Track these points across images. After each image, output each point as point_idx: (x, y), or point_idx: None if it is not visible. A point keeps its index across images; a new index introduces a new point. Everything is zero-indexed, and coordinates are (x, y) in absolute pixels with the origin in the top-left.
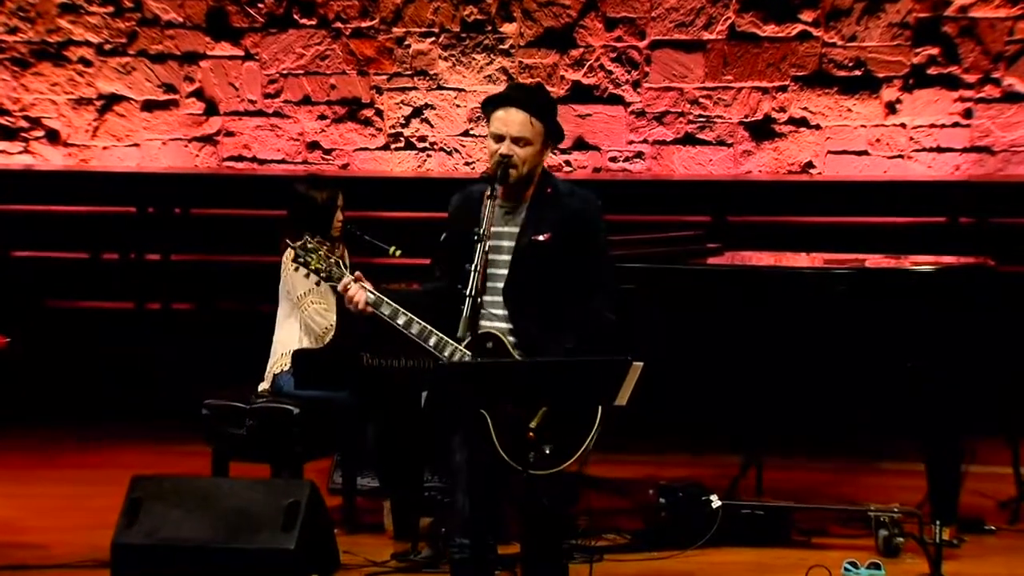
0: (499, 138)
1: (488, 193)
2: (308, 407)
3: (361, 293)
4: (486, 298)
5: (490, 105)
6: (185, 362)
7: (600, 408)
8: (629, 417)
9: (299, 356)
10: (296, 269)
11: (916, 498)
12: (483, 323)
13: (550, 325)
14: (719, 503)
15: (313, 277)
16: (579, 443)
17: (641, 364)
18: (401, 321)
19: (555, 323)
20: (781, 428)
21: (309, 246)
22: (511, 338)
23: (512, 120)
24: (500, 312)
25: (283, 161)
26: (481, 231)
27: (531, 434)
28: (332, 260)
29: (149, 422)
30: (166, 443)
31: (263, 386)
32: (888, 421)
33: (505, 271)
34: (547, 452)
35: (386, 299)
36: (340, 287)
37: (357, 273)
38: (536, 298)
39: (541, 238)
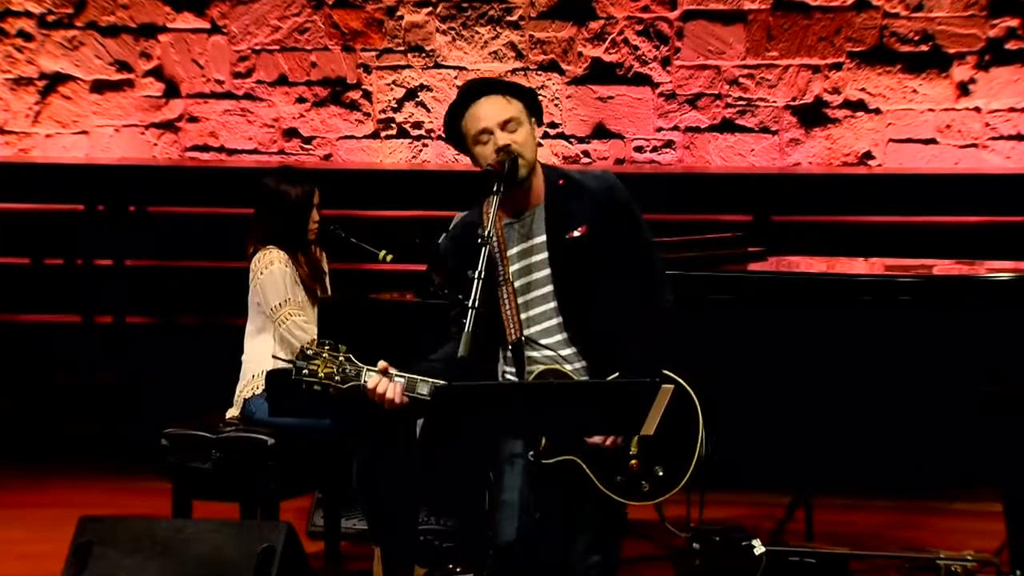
0: (486, 134)
1: (495, 190)
2: (284, 437)
3: (393, 389)
4: (531, 331)
5: (455, 115)
6: (141, 384)
7: (699, 408)
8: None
9: (274, 377)
10: (305, 387)
11: (993, 544)
12: (532, 354)
13: (614, 336)
14: (763, 549)
15: (290, 286)
16: (690, 451)
17: (671, 387)
18: None
19: (618, 332)
20: (834, 462)
21: (308, 352)
22: (570, 366)
23: (489, 109)
24: (554, 340)
25: (255, 151)
26: (486, 233)
27: (635, 463)
28: (340, 359)
29: (98, 454)
30: (119, 479)
31: (232, 412)
32: (959, 454)
33: (548, 288)
34: (661, 474)
35: (419, 377)
36: (369, 389)
37: (382, 364)
38: (592, 308)
39: (577, 233)
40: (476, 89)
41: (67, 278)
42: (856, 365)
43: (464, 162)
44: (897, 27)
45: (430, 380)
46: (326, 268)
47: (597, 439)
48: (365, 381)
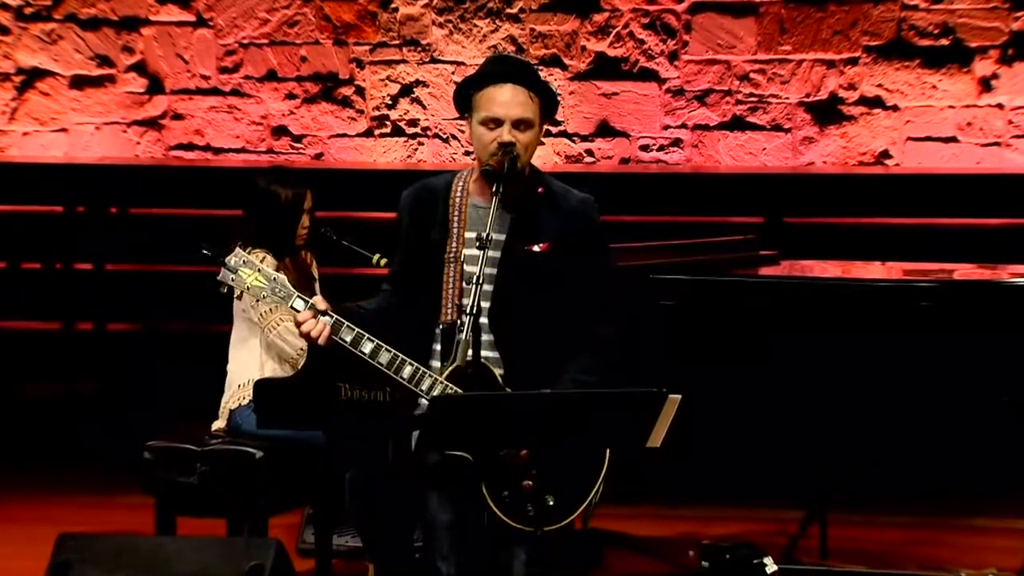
0: (495, 123)
1: (493, 190)
2: (273, 450)
3: (318, 328)
4: (463, 320)
5: (472, 87)
6: (123, 394)
7: (607, 448)
8: (665, 462)
9: (262, 387)
10: (226, 289)
11: (1017, 562)
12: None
13: (545, 355)
14: (775, 567)
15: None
16: (585, 490)
17: (679, 397)
18: (367, 349)
19: (551, 352)
20: (850, 476)
21: (239, 260)
22: (499, 370)
23: (513, 100)
24: (484, 338)
25: (243, 150)
26: (486, 236)
27: (528, 483)
28: (274, 276)
29: (78, 468)
30: (100, 493)
31: (218, 424)
32: (982, 467)
33: (488, 287)
34: (550, 503)
35: (347, 322)
36: (296, 319)
37: (317, 298)
38: (529, 321)
39: (537, 248)
40: (505, 73)
41: (45, 283)
42: (873, 374)
43: (461, 162)
44: (916, 20)
45: (356, 329)
46: (315, 274)
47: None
48: (293, 306)
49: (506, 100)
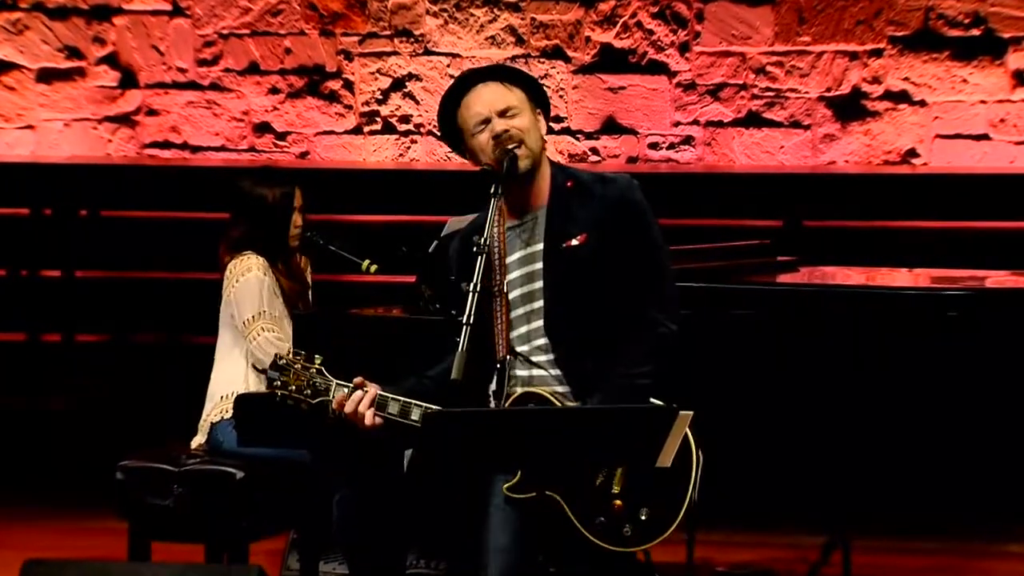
0: (484, 122)
1: (492, 191)
2: (255, 469)
3: (361, 407)
4: (523, 348)
5: (449, 109)
6: (94, 410)
7: (693, 441)
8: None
9: (244, 402)
10: (279, 398)
11: None
12: (519, 373)
13: (604, 361)
14: None
15: (267, 298)
16: (680, 496)
17: (690, 414)
18: (416, 416)
19: (609, 356)
20: (875, 499)
21: (281, 363)
22: (562, 389)
23: (487, 95)
24: (544, 359)
25: (223, 148)
26: (483, 240)
27: (618, 502)
28: (312, 371)
29: (46, 489)
30: (69, 517)
31: (197, 441)
32: (1014, 490)
33: (539, 303)
34: (644, 519)
35: (391, 395)
36: (335, 404)
37: (358, 380)
38: (584, 327)
39: (575, 242)
40: (471, 77)
41: (10, 291)
42: (899, 389)
43: (458, 161)
44: (945, 8)
45: (402, 399)
46: (309, 280)
47: None
48: (335, 396)
49: (483, 98)
